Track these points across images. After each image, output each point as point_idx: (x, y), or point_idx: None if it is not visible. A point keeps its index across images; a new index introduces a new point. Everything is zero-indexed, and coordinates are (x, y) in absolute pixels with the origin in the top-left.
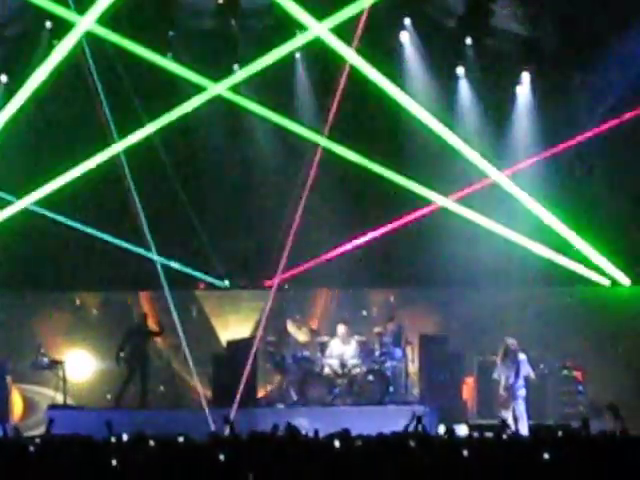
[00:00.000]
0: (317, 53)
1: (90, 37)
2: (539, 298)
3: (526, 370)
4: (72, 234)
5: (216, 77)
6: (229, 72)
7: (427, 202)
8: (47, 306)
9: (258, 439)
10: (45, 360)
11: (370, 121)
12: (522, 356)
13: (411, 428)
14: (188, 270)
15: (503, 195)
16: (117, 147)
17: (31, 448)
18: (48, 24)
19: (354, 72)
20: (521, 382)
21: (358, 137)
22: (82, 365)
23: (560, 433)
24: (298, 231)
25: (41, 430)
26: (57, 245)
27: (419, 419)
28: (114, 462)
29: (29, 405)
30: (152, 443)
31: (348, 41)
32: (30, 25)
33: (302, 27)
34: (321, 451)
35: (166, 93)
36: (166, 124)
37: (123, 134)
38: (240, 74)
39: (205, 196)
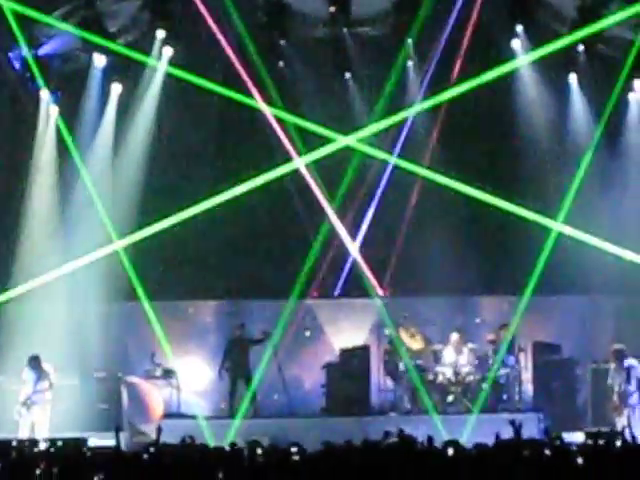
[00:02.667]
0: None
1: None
2: None
3: (637, 374)
4: (184, 241)
5: (327, 87)
6: (341, 80)
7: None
8: (161, 315)
9: (371, 447)
10: (159, 369)
11: (478, 137)
12: (633, 361)
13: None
14: None
15: (617, 203)
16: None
17: (145, 456)
18: (160, 33)
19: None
20: (633, 387)
21: (469, 145)
22: (196, 374)
23: None
24: (410, 240)
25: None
26: (171, 253)
27: (514, 425)
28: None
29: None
30: (260, 452)
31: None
32: (142, 34)
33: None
34: (434, 459)
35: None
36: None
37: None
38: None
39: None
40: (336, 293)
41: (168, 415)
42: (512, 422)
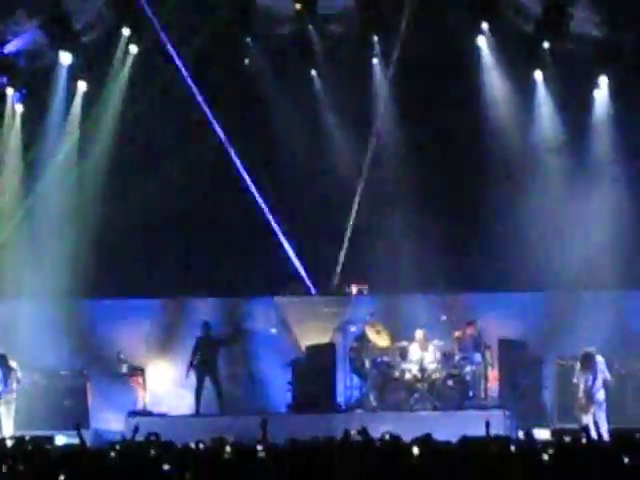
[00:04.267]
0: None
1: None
2: (620, 300)
3: (604, 373)
4: (151, 240)
5: (293, 84)
6: (306, 78)
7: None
8: (126, 312)
9: (336, 444)
10: (125, 366)
11: (449, 125)
12: (599, 359)
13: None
14: None
15: (583, 199)
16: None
17: (112, 454)
18: (125, 31)
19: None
20: (599, 385)
21: (437, 142)
22: (162, 372)
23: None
24: (377, 237)
25: None
26: (136, 252)
27: (488, 426)
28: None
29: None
30: (229, 449)
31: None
32: (107, 31)
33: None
34: (399, 456)
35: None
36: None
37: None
38: None
39: (286, 204)
40: (303, 290)
41: (134, 413)
42: (487, 423)
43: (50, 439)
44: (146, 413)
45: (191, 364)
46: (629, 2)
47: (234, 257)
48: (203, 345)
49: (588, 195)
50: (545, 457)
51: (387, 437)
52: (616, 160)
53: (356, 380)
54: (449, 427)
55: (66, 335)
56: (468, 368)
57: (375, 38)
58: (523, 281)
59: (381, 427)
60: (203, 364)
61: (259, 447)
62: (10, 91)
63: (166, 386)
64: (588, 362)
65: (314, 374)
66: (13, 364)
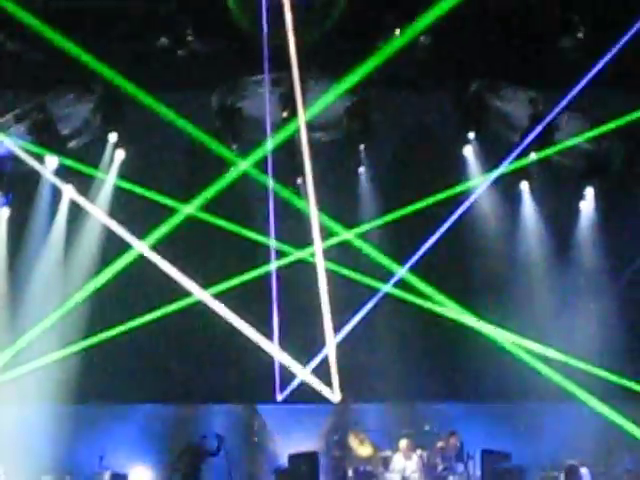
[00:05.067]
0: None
1: None
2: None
3: None
4: (134, 346)
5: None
6: (293, 187)
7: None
8: (110, 419)
9: None
10: (107, 473)
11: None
12: (584, 470)
13: None
14: None
15: (569, 311)
16: None
17: None
18: (112, 136)
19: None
20: None
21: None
22: (145, 478)
23: None
24: (359, 343)
25: None
26: (121, 357)
27: None
28: None
29: None
30: None
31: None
32: (94, 137)
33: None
34: None
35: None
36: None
37: None
38: None
39: (266, 312)
40: (285, 398)
41: None
42: None
43: None
44: None
45: (173, 469)
46: (615, 113)
47: (215, 364)
48: (190, 453)
49: (574, 307)
50: None
51: None
52: (602, 272)
53: None
54: None
55: (49, 440)
56: (451, 478)
57: (361, 147)
58: (507, 392)
59: None
60: (186, 472)
61: None
62: None
63: None
64: (572, 474)
65: None
66: None
